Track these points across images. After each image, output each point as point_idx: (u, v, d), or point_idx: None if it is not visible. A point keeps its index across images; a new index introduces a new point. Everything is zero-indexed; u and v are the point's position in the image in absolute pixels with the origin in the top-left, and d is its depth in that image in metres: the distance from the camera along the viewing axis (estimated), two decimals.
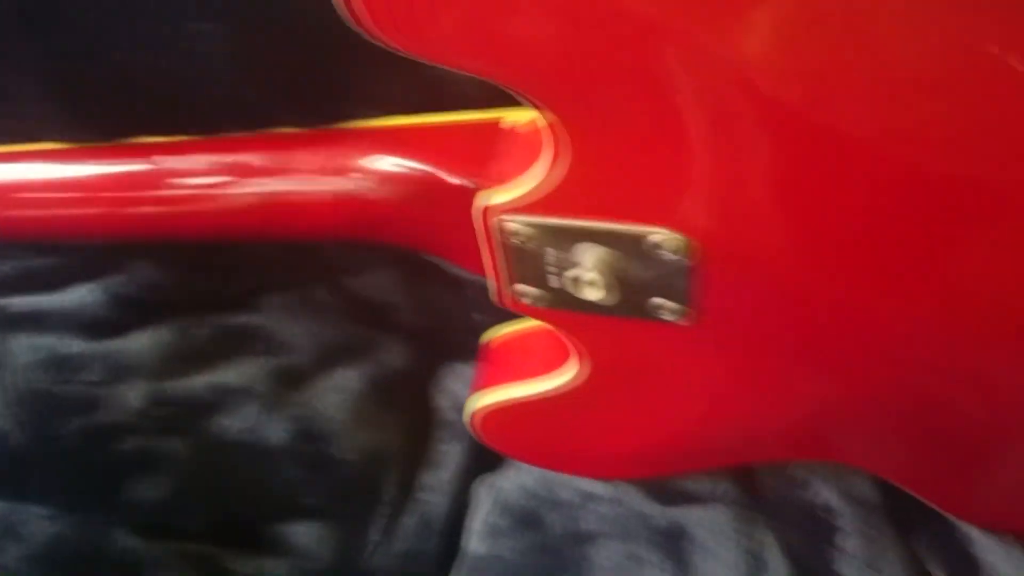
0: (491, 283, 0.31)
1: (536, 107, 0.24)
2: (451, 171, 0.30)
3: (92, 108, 0.37)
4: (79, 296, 0.40)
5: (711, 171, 0.25)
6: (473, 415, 0.38)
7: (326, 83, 0.35)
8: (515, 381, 0.36)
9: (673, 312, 0.30)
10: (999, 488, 0.37)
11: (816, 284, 0.28)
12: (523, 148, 0.28)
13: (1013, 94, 0.22)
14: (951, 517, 0.39)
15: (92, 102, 0.37)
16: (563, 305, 0.31)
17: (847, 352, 0.31)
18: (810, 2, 0.21)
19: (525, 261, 0.30)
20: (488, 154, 0.30)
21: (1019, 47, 0.21)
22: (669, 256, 0.28)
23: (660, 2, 0.21)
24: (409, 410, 0.43)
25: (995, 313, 0.28)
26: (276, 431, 0.39)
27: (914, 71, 0.22)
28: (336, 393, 0.41)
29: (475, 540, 0.39)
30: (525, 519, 0.39)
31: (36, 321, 0.39)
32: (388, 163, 0.31)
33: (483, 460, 0.43)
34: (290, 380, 0.40)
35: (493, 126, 0.30)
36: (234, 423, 0.38)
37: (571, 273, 0.29)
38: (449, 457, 0.43)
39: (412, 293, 0.44)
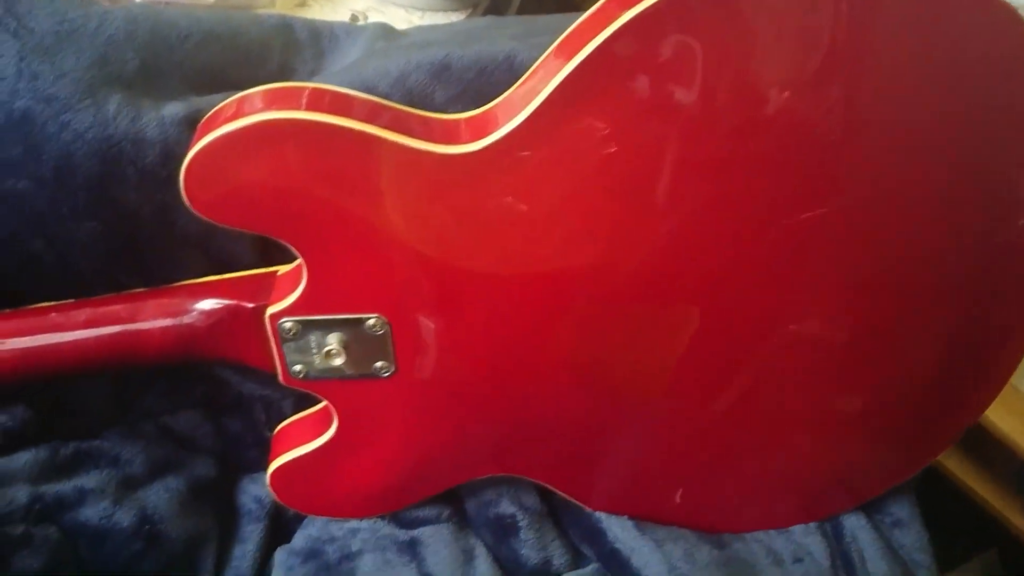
0: (278, 368, 0.51)
1: (289, 247, 0.46)
2: (248, 300, 0.51)
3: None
4: None
5: (394, 288, 0.48)
6: (269, 477, 0.56)
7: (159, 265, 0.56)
8: (294, 448, 0.56)
9: (386, 369, 0.51)
10: (616, 482, 0.60)
11: (476, 346, 0.51)
12: (287, 280, 0.50)
13: None
14: (586, 508, 0.61)
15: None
16: (322, 375, 0.51)
17: (514, 391, 0.53)
18: None
19: (297, 347, 0.50)
20: (270, 289, 0.51)
21: None
22: (378, 332, 0.50)
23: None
24: (219, 505, 0.60)
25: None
26: (125, 518, 0.54)
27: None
28: (165, 492, 0.57)
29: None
30: (309, 554, 0.57)
31: None
32: (210, 303, 0.51)
33: (279, 535, 0.60)
34: (131, 484, 0.56)
35: (273, 273, 0.52)
36: (94, 513, 0.53)
37: (324, 350, 0.50)
38: (252, 535, 0.59)
39: (215, 424, 0.63)
